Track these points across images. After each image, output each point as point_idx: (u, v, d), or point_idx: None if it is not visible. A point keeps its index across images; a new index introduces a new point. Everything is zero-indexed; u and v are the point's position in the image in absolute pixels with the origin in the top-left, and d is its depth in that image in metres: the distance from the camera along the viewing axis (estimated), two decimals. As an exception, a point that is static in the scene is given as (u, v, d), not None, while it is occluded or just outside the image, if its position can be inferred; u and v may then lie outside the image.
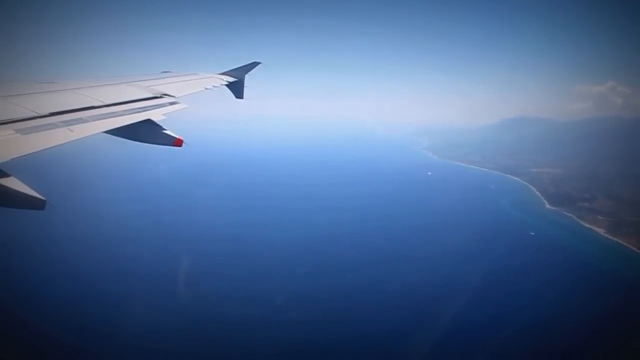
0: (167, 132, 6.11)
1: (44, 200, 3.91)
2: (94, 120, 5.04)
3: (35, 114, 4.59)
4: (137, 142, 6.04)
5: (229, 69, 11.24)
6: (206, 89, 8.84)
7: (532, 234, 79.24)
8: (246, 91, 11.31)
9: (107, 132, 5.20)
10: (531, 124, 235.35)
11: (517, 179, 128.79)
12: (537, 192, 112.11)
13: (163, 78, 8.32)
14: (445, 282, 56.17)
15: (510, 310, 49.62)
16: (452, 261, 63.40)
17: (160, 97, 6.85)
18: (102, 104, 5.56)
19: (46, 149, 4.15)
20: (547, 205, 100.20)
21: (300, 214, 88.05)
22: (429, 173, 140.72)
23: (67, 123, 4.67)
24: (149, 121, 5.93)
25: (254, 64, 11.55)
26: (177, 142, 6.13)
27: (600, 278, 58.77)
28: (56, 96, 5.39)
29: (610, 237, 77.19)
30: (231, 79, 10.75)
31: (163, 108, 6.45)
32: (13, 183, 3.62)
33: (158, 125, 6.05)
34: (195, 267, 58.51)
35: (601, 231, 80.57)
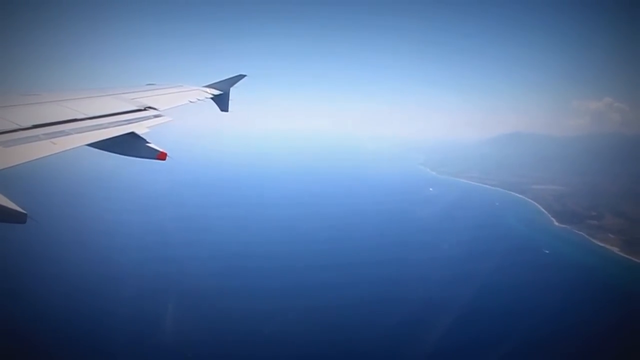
0: (151, 145, 6.39)
1: (25, 214, 4.13)
2: (77, 133, 5.29)
3: (18, 127, 4.83)
4: (120, 155, 6.29)
5: (214, 82, 11.67)
6: (191, 102, 9.20)
7: (547, 252, 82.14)
8: (231, 104, 11.71)
9: (90, 144, 5.46)
10: (528, 140, 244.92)
11: (521, 196, 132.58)
12: (543, 210, 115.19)
13: (147, 91, 8.66)
14: (468, 301, 57.80)
15: (538, 330, 51.20)
16: (471, 281, 65.02)
17: (145, 109, 7.16)
18: (85, 116, 5.84)
19: (28, 161, 4.39)
20: (556, 223, 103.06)
21: (298, 236, 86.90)
22: (431, 189, 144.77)
23: (50, 135, 4.91)
24: (132, 134, 6.21)
25: (239, 77, 11.99)
26: (161, 156, 6.40)
27: (626, 298, 60.68)
28: (39, 108, 5.66)
29: (626, 256, 79.68)
30: (216, 92, 11.15)
31: (147, 121, 6.75)
32: (-6, 196, 3.83)
33: (142, 138, 6.34)
34: (182, 276, 60.80)
35: (615, 249, 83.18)
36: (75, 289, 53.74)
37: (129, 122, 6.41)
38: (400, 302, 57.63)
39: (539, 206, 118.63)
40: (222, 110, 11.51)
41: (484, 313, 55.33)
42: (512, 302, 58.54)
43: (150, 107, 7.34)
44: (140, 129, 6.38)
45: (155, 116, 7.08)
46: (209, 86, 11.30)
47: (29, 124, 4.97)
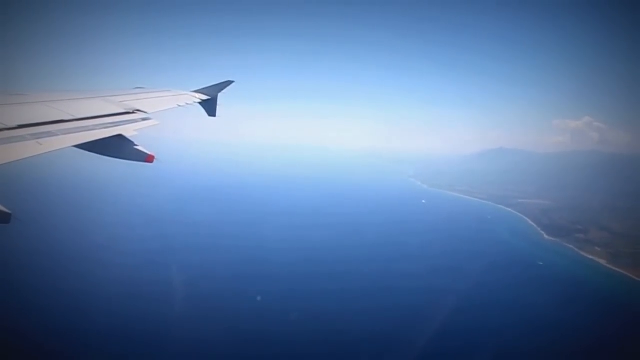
0: (139, 148, 6.48)
1: (10, 214, 4.17)
2: (64, 134, 5.33)
3: (3, 126, 4.86)
4: (108, 158, 6.35)
5: (202, 87, 11.84)
6: (179, 106, 9.33)
7: (541, 263, 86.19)
8: (219, 109, 11.89)
9: (77, 146, 5.50)
10: (512, 156, 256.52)
11: (509, 209, 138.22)
12: (532, 223, 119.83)
13: (136, 94, 8.76)
14: (470, 310, 59.95)
15: (538, 339, 53.24)
16: (473, 291, 67.38)
17: (133, 112, 7.25)
18: (72, 117, 5.88)
19: (13, 161, 4.43)
20: (545, 236, 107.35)
21: (291, 252, 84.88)
22: (424, 201, 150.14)
23: (36, 136, 4.94)
24: (120, 136, 6.29)
25: (227, 83, 12.19)
26: (149, 159, 6.49)
27: (620, 309, 63.72)
28: (25, 109, 5.69)
29: (613, 268, 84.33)
30: (204, 97, 11.31)
31: (135, 124, 6.83)
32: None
33: (129, 140, 6.42)
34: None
35: (603, 262, 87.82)
36: (64, 290, 53.95)
37: (117, 124, 6.48)
38: (399, 311, 58.82)
39: (528, 220, 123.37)
40: (209, 115, 11.66)
41: (486, 322, 57.36)
42: (512, 312, 61.05)
43: (138, 110, 7.42)
44: (128, 132, 6.45)
45: (144, 119, 7.17)
46: (197, 91, 11.45)
47: (15, 124, 4.99)
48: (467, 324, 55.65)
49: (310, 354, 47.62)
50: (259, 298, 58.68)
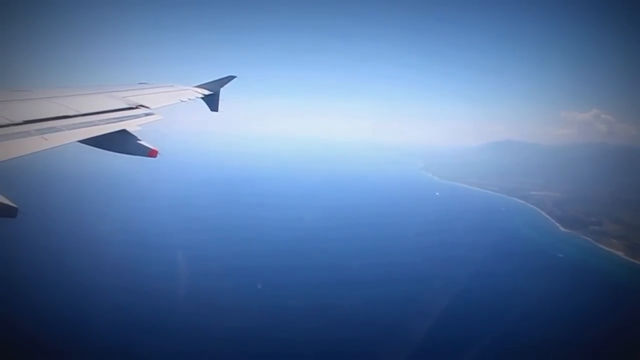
0: (142, 142, 6.62)
1: (16, 208, 4.31)
2: (69, 130, 5.46)
3: (9, 122, 5.00)
4: (112, 152, 6.50)
5: (204, 82, 11.95)
6: (182, 101, 9.46)
7: (561, 255, 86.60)
8: (221, 104, 12.01)
9: (82, 141, 5.64)
10: (518, 148, 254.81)
11: (522, 201, 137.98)
12: (546, 215, 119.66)
13: (139, 89, 8.92)
14: (496, 301, 62.33)
15: (564, 329, 54.41)
16: (497, 283, 69.35)
17: (136, 108, 7.39)
18: (77, 113, 6.02)
19: (19, 156, 4.56)
20: (562, 228, 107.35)
21: (307, 245, 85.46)
22: (437, 194, 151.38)
23: (41, 131, 5.08)
24: (123, 131, 6.42)
25: (229, 78, 12.30)
26: (152, 153, 6.62)
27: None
28: (30, 104, 5.84)
29: (632, 260, 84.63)
30: (207, 92, 11.44)
31: (138, 119, 6.97)
32: (-15, 190, 4.03)
33: (133, 135, 6.56)
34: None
35: (621, 254, 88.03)
36: (66, 287, 54.75)
37: (121, 119, 6.62)
38: (425, 303, 59.61)
39: (542, 212, 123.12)
40: (212, 110, 11.80)
41: (515, 311, 58.54)
42: (537, 303, 61.78)
43: (141, 106, 7.56)
44: (131, 127, 6.59)
45: (147, 114, 7.31)
46: (199, 86, 11.59)
47: (20, 120, 5.12)
48: (498, 312, 57.89)
49: (327, 349, 47.91)
50: (259, 286, 59.71)
